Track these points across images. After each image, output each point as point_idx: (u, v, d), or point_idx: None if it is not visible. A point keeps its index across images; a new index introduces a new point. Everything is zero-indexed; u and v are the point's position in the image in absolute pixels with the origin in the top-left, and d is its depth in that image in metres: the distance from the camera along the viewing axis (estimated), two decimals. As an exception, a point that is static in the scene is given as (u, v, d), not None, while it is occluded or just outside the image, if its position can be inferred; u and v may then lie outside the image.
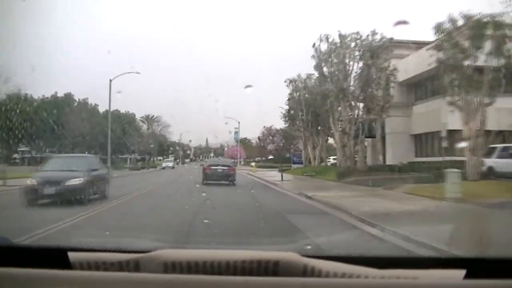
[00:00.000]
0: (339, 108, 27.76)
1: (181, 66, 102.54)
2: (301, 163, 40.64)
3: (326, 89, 26.81)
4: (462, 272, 1.55)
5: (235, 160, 68.01)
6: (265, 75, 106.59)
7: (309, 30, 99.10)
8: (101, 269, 1.60)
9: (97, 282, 1.53)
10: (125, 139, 50.17)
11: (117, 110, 57.33)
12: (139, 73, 37.25)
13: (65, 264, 1.60)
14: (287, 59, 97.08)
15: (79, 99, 39.54)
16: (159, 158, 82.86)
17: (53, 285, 1.50)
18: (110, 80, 37.19)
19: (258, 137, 76.00)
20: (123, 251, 1.71)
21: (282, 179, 26.62)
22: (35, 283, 1.53)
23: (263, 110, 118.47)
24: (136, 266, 1.58)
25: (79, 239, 6.15)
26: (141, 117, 74.74)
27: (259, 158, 73.32)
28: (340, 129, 27.66)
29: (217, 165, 24.04)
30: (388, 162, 29.76)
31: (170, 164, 64.55)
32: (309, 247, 4.22)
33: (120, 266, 1.59)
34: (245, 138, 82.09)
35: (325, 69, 27.27)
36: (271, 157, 70.09)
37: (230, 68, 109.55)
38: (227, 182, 22.30)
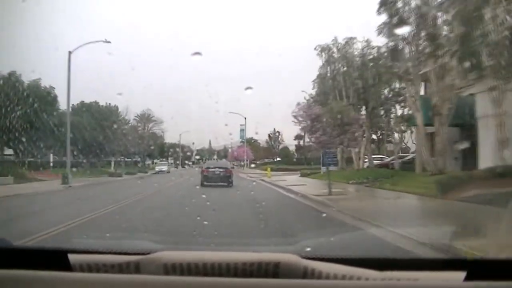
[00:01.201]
0: (421, 75, 16.78)
1: (182, 67, 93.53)
2: (336, 164, 29.19)
3: (403, 40, 15.79)
4: (463, 274, 1.48)
5: (242, 162, 58.82)
6: (270, 74, 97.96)
7: (315, 29, 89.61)
8: (101, 271, 1.57)
9: (97, 284, 1.49)
10: (101, 138, 39.33)
11: (95, 102, 46.81)
12: (109, 42, 27.06)
13: (65, 266, 1.58)
14: (291, 58, 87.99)
15: (29, 81, 28.82)
16: (155, 161, 73.57)
17: (53, 287, 1.48)
18: (70, 52, 27.69)
19: (269, 135, 69.76)
20: (123, 253, 1.68)
21: (330, 193, 15.83)
22: (35, 285, 1.50)
23: (268, 112, 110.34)
24: (136, 268, 1.56)
25: (79, 241, 5.61)
26: (135, 116, 65.08)
27: (267, 160, 69.16)
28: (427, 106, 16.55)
29: (215, 167, 24.30)
30: (481, 161, 19.15)
31: (164, 168, 53.10)
32: (309, 248, 3.36)
33: (120, 268, 1.57)
34: (251, 138, 73.99)
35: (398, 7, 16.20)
36: (278, 158, 66.69)
37: (233, 70, 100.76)
38: (226, 184, 22.62)
